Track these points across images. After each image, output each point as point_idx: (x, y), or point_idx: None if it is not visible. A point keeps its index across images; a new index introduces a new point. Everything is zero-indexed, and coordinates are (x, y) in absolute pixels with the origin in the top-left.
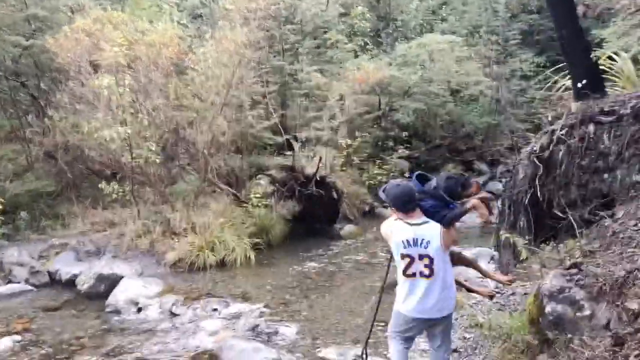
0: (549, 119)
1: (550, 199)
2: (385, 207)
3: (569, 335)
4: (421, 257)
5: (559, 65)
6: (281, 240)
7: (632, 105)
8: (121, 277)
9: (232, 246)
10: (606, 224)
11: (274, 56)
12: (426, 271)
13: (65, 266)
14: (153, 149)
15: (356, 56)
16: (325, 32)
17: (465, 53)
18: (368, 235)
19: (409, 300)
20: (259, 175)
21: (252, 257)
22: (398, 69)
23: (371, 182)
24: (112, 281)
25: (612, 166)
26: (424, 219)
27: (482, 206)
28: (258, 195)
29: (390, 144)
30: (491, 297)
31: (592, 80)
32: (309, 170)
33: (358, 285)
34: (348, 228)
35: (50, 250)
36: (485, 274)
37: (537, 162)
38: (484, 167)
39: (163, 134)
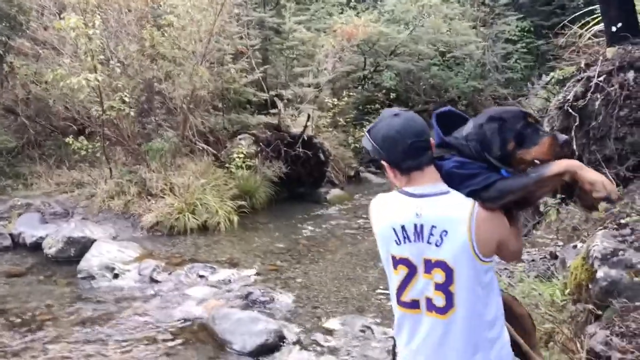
0: (582, 65)
1: (580, 155)
2: (373, 168)
3: (628, 303)
4: (429, 265)
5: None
6: (266, 204)
7: None
8: (93, 241)
9: (215, 209)
10: None
11: (254, 8)
12: (438, 299)
13: (29, 228)
14: (127, 100)
15: (342, 12)
16: None
17: (456, 10)
18: (355, 201)
19: (405, 357)
20: (241, 135)
21: (236, 221)
22: (386, 26)
23: (357, 145)
24: (83, 245)
25: None
26: (442, 186)
27: (590, 170)
28: (241, 156)
29: (376, 106)
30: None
31: (629, 23)
32: (296, 129)
33: (353, 251)
34: (334, 192)
35: (11, 211)
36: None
37: (572, 111)
38: None
39: (137, 85)
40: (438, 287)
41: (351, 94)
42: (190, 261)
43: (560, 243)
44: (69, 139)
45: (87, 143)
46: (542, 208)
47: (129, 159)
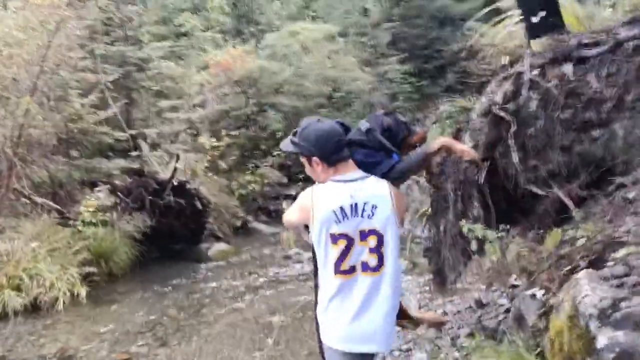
0: (506, 62)
1: (515, 174)
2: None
3: None
4: (364, 234)
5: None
6: (128, 268)
7: (629, 34)
8: None
9: (50, 281)
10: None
11: (112, 42)
12: (372, 260)
13: None
14: None
15: (217, 47)
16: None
17: (341, 45)
18: (243, 256)
19: (339, 318)
20: (99, 184)
21: (83, 293)
22: (267, 62)
23: (242, 191)
24: None
25: (608, 118)
26: (362, 172)
27: (458, 143)
28: (91, 209)
29: (263, 147)
30: (441, 324)
31: (550, 11)
32: (165, 175)
33: (237, 320)
34: (218, 247)
35: None
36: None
37: (504, 115)
38: None
39: None
40: (372, 250)
41: (232, 133)
42: None
43: (483, 287)
44: None
45: None
46: (472, 246)
47: None
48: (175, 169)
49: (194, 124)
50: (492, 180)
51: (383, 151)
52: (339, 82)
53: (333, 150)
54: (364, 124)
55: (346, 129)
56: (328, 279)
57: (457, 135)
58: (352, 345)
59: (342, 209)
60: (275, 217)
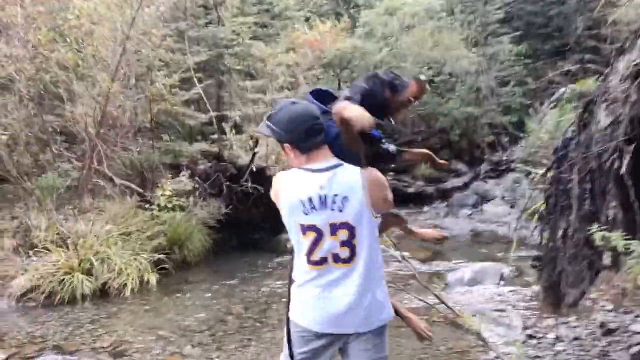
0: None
1: None
2: None
3: None
4: (335, 228)
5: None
6: (202, 257)
7: None
8: None
9: (119, 267)
10: None
11: (206, 25)
12: (344, 252)
13: None
14: None
15: (311, 27)
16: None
17: (445, 23)
18: None
19: (313, 304)
20: (183, 169)
21: (154, 281)
22: (362, 42)
23: None
24: None
25: None
26: (335, 161)
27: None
28: (167, 194)
29: None
30: (441, 240)
31: None
32: (244, 160)
33: None
34: None
35: None
36: (411, 232)
37: None
38: (462, 167)
39: (20, 101)
40: (343, 243)
41: None
42: (51, 350)
43: (610, 307)
44: None
45: None
46: (605, 260)
47: (18, 196)
48: (254, 154)
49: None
50: (638, 170)
51: None
52: (442, 64)
53: (305, 137)
54: (344, 92)
55: (327, 94)
56: (302, 266)
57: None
58: (331, 327)
59: (310, 200)
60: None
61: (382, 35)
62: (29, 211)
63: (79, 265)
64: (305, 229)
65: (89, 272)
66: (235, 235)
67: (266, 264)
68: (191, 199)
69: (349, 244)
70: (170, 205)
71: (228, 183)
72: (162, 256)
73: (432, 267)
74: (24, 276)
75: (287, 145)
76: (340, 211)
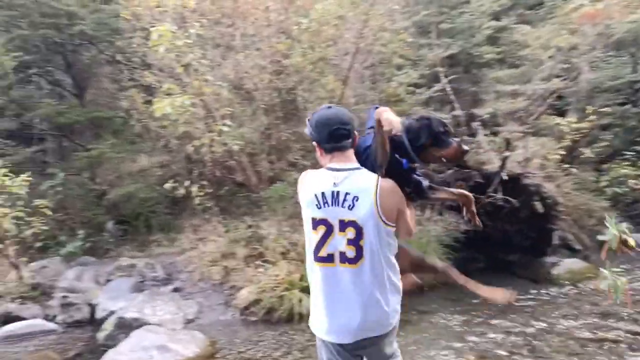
0: None
1: None
2: None
3: None
4: (343, 225)
5: None
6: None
7: None
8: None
9: None
10: None
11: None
12: (350, 252)
13: (109, 299)
14: (225, 129)
15: None
16: None
17: None
18: (607, 280)
19: (322, 309)
20: None
21: None
22: None
23: (616, 189)
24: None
25: None
26: (356, 164)
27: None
28: None
29: None
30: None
31: None
32: (493, 165)
33: None
34: (568, 264)
35: (115, 273)
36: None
37: None
38: None
39: (256, 109)
40: (350, 242)
41: (605, 110)
42: None
43: None
44: (167, 184)
45: (195, 189)
46: None
47: (251, 209)
48: (505, 159)
49: (544, 100)
50: None
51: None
52: None
53: (328, 138)
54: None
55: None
56: (311, 266)
57: None
58: (340, 337)
59: (323, 194)
60: None
61: None
62: (261, 221)
63: (300, 280)
64: (317, 223)
65: (307, 289)
66: (483, 254)
67: (520, 295)
68: (425, 211)
69: (356, 243)
70: None
71: (472, 194)
72: None
73: None
74: (248, 288)
75: (314, 144)
76: (350, 209)
